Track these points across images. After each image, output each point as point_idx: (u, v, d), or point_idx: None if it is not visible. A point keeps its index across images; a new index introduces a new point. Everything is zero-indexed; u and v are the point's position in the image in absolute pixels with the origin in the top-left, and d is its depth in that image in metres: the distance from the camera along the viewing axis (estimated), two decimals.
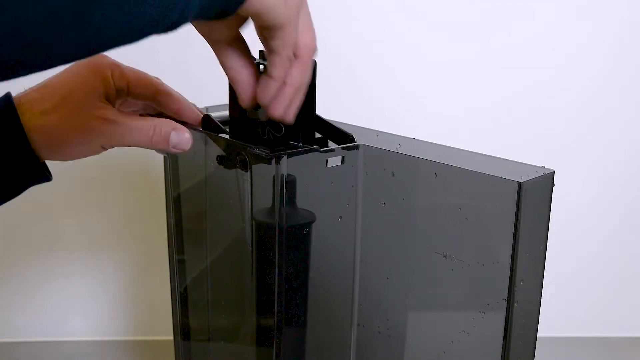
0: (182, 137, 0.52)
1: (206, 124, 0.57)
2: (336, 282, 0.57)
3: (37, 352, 0.93)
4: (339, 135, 0.56)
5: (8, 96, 0.50)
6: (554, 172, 0.47)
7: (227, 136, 0.55)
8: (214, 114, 0.59)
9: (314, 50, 0.47)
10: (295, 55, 0.45)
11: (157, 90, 0.55)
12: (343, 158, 0.53)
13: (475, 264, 0.48)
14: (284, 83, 0.46)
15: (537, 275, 0.49)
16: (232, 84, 0.48)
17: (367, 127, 0.59)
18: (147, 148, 0.54)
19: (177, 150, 0.53)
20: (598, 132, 0.92)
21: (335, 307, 0.58)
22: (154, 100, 0.55)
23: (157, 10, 0.34)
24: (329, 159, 0.52)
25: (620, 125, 0.92)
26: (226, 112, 0.57)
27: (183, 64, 0.85)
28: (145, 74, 0.55)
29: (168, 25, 0.36)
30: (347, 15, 0.87)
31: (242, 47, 0.47)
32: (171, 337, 0.69)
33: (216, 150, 0.55)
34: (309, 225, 0.53)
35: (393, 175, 0.52)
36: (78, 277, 0.94)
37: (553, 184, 0.48)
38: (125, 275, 0.94)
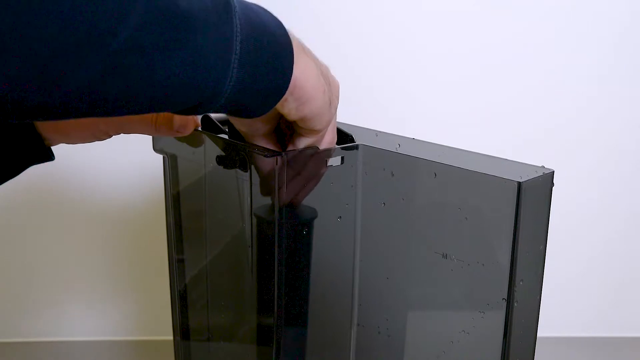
0: (186, 119, 0.52)
1: (206, 124, 0.57)
2: (336, 282, 0.57)
3: (37, 352, 0.93)
4: (338, 135, 0.56)
5: None
6: (553, 171, 0.47)
7: (226, 136, 0.55)
8: (213, 114, 0.59)
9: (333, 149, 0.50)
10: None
11: None
12: (343, 158, 0.53)
13: (474, 264, 0.48)
14: (299, 173, 0.49)
15: (537, 275, 0.49)
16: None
17: (367, 127, 0.59)
18: (152, 135, 0.54)
19: (181, 134, 0.52)
20: (598, 132, 0.92)
21: (335, 307, 0.58)
22: None
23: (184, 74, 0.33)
24: (329, 159, 0.52)
25: (620, 125, 0.92)
26: None
27: None
28: None
29: (193, 100, 0.36)
30: (347, 14, 0.87)
31: (274, 140, 0.49)
32: (171, 337, 0.69)
33: (216, 150, 0.55)
34: (309, 223, 0.53)
35: (392, 175, 0.52)
36: (78, 277, 0.94)
37: (553, 184, 0.48)
38: (125, 274, 0.94)
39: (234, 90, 0.37)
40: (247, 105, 0.39)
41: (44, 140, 0.50)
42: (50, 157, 0.52)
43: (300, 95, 0.41)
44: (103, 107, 0.32)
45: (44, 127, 0.50)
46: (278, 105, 0.42)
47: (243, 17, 0.37)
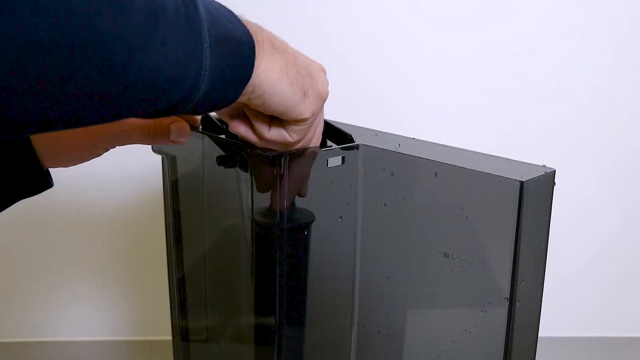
0: (181, 129, 0.53)
1: (205, 124, 0.57)
2: (336, 282, 0.57)
3: (37, 352, 0.93)
4: (338, 135, 0.56)
5: None
6: (554, 170, 0.47)
7: (226, 136, 0.55)
8: (212, 114, 0.58)
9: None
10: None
11: None
12: (343, 158, 0.53)
13: (476, 263, 0.48)
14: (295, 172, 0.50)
15: (539, 274, 0.49)
16: None
17: (367, 126, 0.59)
18: (148, 144, 0.54)
19: (177, 143, 0.53)
20: (598, 131, 0.92)
21: (335, 307, 0.58)
22: None
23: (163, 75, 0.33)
24: (330, 159, 0.52)
25: (621, 124, 0.92)
26: None
27: None
28: None
29: (171, 101, 0.35)
30: (346, 14, 0.87)
31: (246, 117, 0.48)
32: (170, 337, 0.68)
33: (215, 150, 0.55)
34: (308, 225, 0.53)
35: (392, 175, 0.52)
36: (78, 277, 0.94)
37: (554, 183, 0.48)
38: (125, 275, 0.94)
39: (208, 81, 0.36)
40: (215, 99, 0.39)
41: (42, 168, 0.50)
42: (51, 184, 0.52)
43: (263, 91, 0.41)
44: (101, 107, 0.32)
45: (46, 158, 0.50)
46: (244, 100, 0.41)
47: (206, 12, 0.36)
